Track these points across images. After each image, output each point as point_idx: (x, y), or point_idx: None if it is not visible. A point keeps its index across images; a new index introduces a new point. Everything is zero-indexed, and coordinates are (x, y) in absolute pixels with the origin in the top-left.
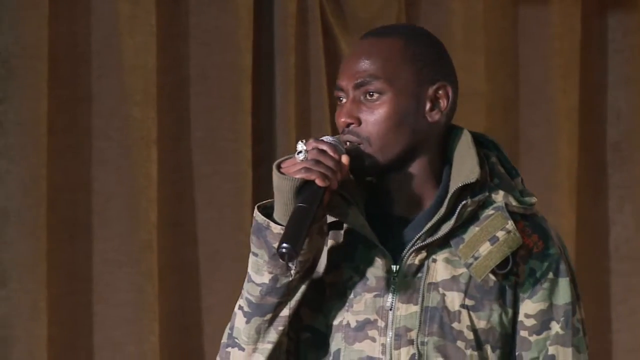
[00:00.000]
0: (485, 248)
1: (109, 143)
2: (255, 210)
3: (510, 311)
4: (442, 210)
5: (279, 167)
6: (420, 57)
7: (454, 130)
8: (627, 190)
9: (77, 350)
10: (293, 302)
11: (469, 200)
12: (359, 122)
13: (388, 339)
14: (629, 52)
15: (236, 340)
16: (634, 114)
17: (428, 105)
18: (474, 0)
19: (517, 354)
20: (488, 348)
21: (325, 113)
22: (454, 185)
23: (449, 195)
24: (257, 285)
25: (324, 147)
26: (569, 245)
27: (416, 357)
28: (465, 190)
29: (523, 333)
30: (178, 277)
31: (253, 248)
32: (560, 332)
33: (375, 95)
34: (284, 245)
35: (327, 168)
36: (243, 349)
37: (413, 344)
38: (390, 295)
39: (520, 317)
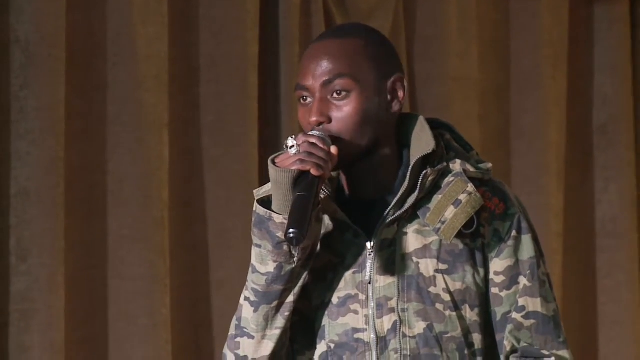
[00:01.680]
0: (450, 211)
1: (123, 127)
2: (255, 204)
3: (482, 271)
4: (406, 183)
5: (273, 162)
6: (378, 54)
7: (408, 117)
8: (612, 172)
9: (93, 322)
10: (296, 289)
11: (429, 170)
12: (329, 120)
13: (370, 310)
14: (614, 41)
15: (245, 329)
16: (619, 99)
17: (389, 98)
18: None
19: (491, 310)
20: (467, 307)
21: None
22: (413, 158)
23: (410, 168)
24: (263, 274)
25: (314, 140)
26: (557, 224)
27: (398, 323)
28: (425, 164)
29: (494, 290)
30: (188, 253)
31: (256, 240)
32: (528, 284)
33: (343, 94)
34: (292, 230)
35: (320, 158)
36: (252, 337)
37: (394, 312)
38: (367, 270)
39: (491, 276)
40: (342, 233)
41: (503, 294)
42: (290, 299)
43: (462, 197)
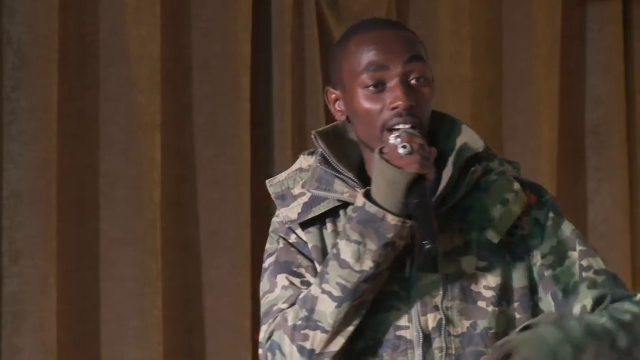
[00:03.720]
0: (497, 211)
1: (116, 128)
2: (366, 201)
3: (520, 265)
4: (446, 179)
5: (384, 159)
6: (425, 49)
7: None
8: (604, 172)
9: (85, 324)
10: (378, 287)
11: (478, 167)
12: (416, 105)
13: (413, 308)
14: (607, 41)
15: (319, 323)
16: (612, 99)
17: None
18: None
19: (549, 292)
20: (505, 303)
21: (319, 100)
22: (460, 155)
23: (457, 165)
24: (356, 272)
25: (421, 141)
26: None
27: (443, 322)
28: (465, 162)
29: (547, 272)
30: (180, 254)
31: (355, 237)
32: (583, 248)
33: (422, 79)
34: (430, 244)
35: (429, 161)
36: (327, 332)
37: (439, 310)
38: (408, 266)
39: (539, 262)
40: None
41: (557, 271)
42: (370, 297)
43: (509, 196)
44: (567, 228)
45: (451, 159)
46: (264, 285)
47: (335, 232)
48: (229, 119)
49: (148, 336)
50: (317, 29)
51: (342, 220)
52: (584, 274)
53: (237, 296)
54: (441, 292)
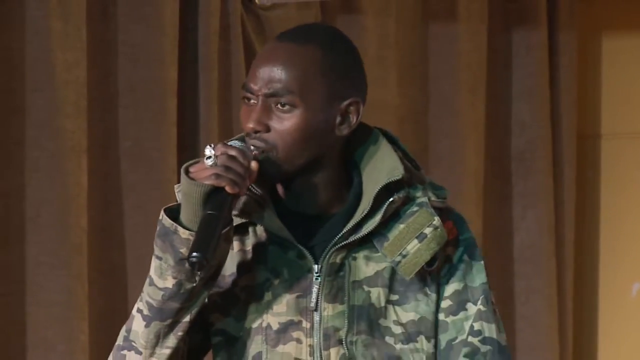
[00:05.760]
0: (413, 246)
1: (42, 153)
2: (162, 213)
3: (434, 298)
4: (367, 208)
5: (187, 171)
6: (336, 70)
7: (362, 130)
8: (530, 199)
9: (11, 349)
10: (194, 308)
11: (396, 197)
12: (267, 130)
13: (315, 340)
14: (532, 67)
15: (133, 343)
16: (537, 125)
17: (338, 120)
18: (386, 19)
19: (436, 337)
20: (422, 339)
21: None
22: (378, 183)
23: (374, 194)
24: (160, 289)
25: (234, 153)
26: None
27: (347, 356)
28: (387, 188)
29: (440, 316)
30: (107, 279)
31: (157, 251)
32: (483, 309)
33: (287, 107)
34: (195, 254)
35: (237, 174)
36: (140, 353)
37: (342, 344)
38: (314, 296)
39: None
40: (282, 250)
41: (449, 319)
42: (187, 318)
43: (428, 231)
44: (478, 277)
45: (365, 188)
46: None
47: (243, 252)
48: (155, 143)
49: None
50: (244, 55)
51: (250, 239)
52: (469, 339)
53: None
54: (346, 325)
